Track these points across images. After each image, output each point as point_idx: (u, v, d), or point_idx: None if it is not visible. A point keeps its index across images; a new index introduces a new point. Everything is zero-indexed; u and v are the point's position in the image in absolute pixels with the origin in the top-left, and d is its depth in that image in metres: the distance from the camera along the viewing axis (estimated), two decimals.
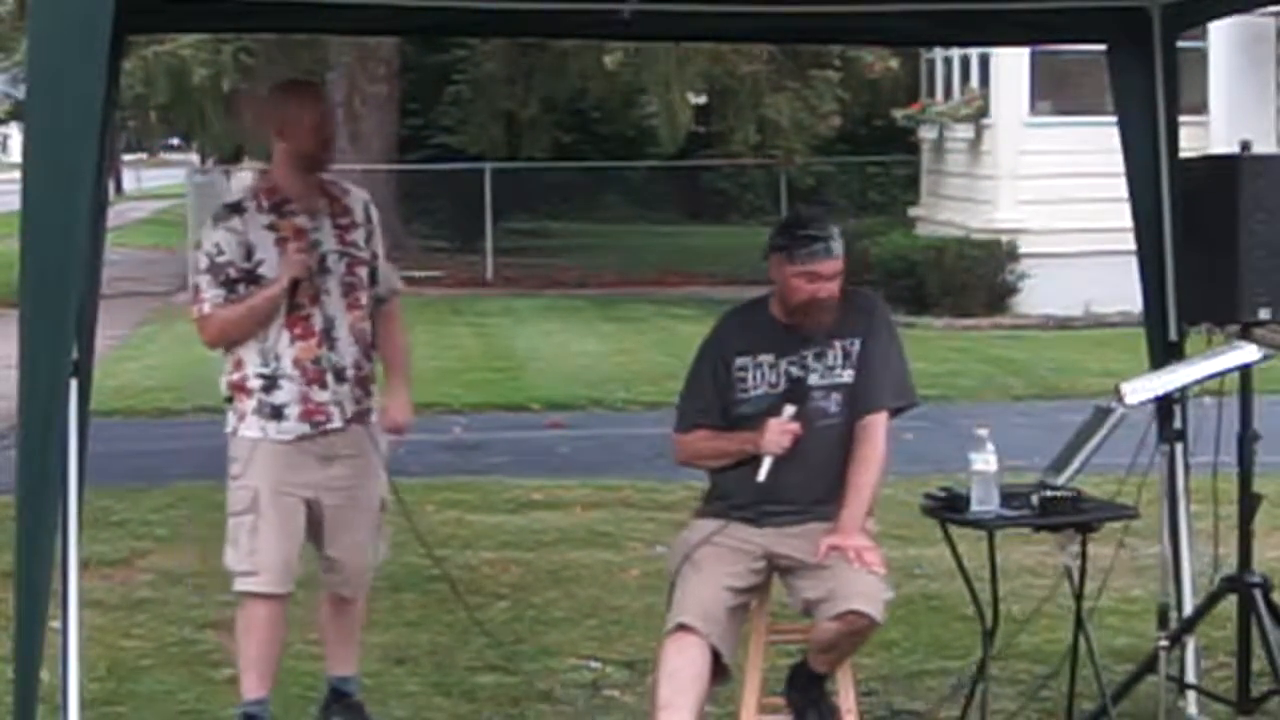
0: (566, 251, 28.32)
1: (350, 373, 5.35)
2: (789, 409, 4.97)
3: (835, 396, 5.05)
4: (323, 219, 5.37)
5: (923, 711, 5.78)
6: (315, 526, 5.39)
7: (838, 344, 5.07)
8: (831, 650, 4.95)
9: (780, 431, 4.95)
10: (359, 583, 5.55)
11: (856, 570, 4.82)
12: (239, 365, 5.33)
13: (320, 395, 5.31)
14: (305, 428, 5.30)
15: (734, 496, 5.10)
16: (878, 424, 5.05)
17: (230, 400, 5.37)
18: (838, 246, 4.99)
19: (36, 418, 3.87)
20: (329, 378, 5.31)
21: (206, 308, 5.29)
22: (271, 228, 5.29)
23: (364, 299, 5.43)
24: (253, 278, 5.27)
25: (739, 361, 5.10)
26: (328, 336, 5.32)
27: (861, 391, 5.05)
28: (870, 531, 5.03)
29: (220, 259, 5.27)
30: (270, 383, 5.29)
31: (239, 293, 5.26)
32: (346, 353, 5.34)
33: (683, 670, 4.80)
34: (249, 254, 5.27)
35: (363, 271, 5.43)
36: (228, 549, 5.34)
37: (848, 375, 5.06)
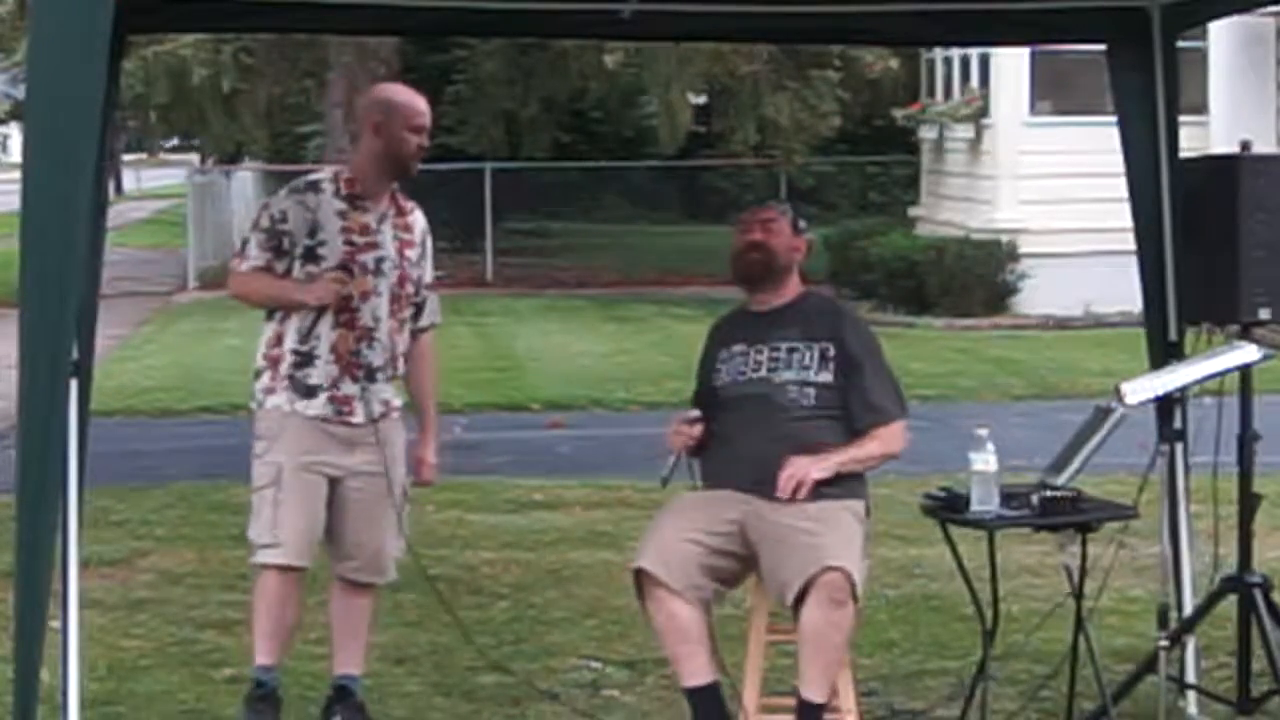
0: (566, 251, 28.29)
1: (379, 375, 5.42)
2: None
3: (809, 391, 5.19)
4: (387, 225, 5.45)
5: (923, 711, 5.77)
6: (336, 510, 5.43)
7: (815, 346, 5.24)
8: (819, 639, 4.84)
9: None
10: (380, 567, 5.57)
11: (819, 544, 4.86)
12: (279, 340, 5.40)
13: (349, 388, 5.37)
14: (330, 410, 5.36)
15: (726, 487, 5.21)
16: (896, 432, 5.22)
17: (258, 375, 5.43)
18: (773, 205, 5.53)
19: (36, 418, 3.88)
20: (360, 373, 5.38)
21: (245, 266, 5.40)
22: (341, 215, 5.38)
23: (406, 314, 5.52)
24: (311, 255, 5.35)
25: (720, 354, 5.39)
26: (369, 334, 5.39)
27: (865, 405, 5.19)
28: (856, 513, 5.09)
29: (280, 226, 5.36)
30: (304, 360, 5.35)
31: (286, 261, 5.34)
32: (381, 354, 5.41)
33: (670, 622, 4.98)
34: (313, 231, 5.35)
35: (410, 287, 5.51)
36: (251, 522, 5.39)
37: (825, 376, 5.21)
